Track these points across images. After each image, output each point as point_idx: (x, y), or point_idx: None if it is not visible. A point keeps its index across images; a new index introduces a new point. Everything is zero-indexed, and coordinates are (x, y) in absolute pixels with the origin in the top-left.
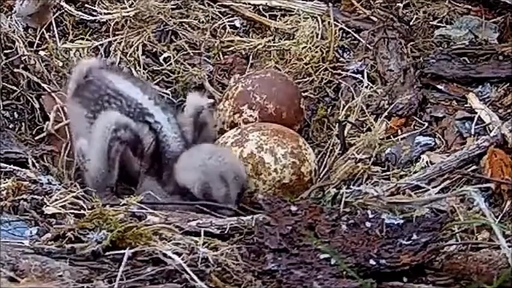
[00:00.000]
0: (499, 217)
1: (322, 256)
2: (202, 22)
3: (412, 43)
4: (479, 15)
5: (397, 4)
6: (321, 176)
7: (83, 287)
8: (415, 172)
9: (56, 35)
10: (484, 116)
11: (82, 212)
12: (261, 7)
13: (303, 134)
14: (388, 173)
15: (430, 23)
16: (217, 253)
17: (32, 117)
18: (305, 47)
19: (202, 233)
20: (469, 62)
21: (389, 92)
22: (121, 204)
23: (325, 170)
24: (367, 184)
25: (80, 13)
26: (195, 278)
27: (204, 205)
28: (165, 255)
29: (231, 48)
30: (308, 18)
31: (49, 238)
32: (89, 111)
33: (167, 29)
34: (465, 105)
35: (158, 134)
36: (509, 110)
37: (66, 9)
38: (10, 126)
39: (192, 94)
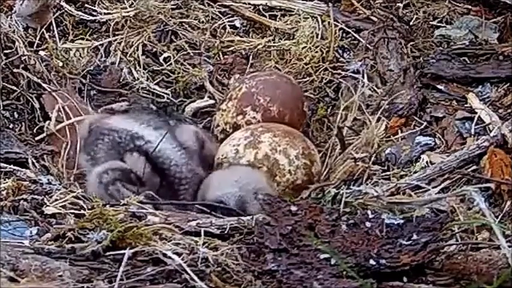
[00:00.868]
0: (499, 217)
1: (322, 256)
2: (202, 22)
3: (412, 43)
4: (479, 15)
5: (397, 4)
6: (321, 176)
7: (83, 287)
8: (415, 172)
9: (56, 35)
10: (484, 116)
11: (82, 212)
12: (261, 7)
13: (303, 134)
14: (388, 173)
15: (430, 23)
16: (217, 253)
17: (32, 117)
18: (305, 47)
19: (202, 233)
20: (469, 62)
21: (389, 92)
22: (121, 204)
23: (326, 170)
24: (367, 184)
25: (80, 13)
26: (195, 278)
27: (204, 205)
28: (165, 255)
29: (231, 48)
30: (308, 18)
31: (49, 238)
32: (88, 156)
33: (167, 29)
34: (465, 105)
35: (153, 153)
36: (509, 110)
37: (66, 9)
38: (10, 126)
39: (184, 127)
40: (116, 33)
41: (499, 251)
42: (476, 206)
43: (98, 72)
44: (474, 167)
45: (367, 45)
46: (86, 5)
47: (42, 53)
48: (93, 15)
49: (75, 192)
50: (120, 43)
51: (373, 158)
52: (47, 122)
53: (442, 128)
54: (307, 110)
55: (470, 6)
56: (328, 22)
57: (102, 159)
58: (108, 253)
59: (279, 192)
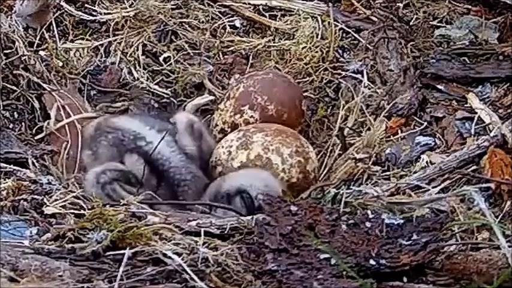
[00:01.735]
0: (499, 217)
1: (322, 256)
2: (202, 22)
3: (412, 43)
4: (479, 15)
5: (397, 4)
6: (321, 176)
7: (83, 287)
8: (415, 172)
9: (56, 35)
10: (484, 116)
11: (82, 212)
12: (261, 7)
13: (302, 134)
14: (388, 173)
15: (430, 23)
16: (217, 253)
17: (32, 117)
18: (305, 47)
19: (202, 233)
20: (469, 62)
21: (389, 92)
22: (121, 204)
23: (326, 170)
24: (367, 184)
25: (80, 13)
26: (195, 278)
27: (204, 205)
28: (165, 255)
29: (231, 48)
30: (308, 18)
31: (49, 238)
32: (90, 151)
33: (167, 29)
34: (465, 105)
35: (153, 154)
36: (509, 110)
37: (66, 9)
38: (10, 126)
39: (179, 113)
40: (116, 33)
41: (499, 251)
42: (476, 206)
43: (98, 72)
44: (474, 167)
45: (367, 45)
46: (86, 5)
47: (42, 53)
48: (93, 15)
49: (75, 192)
50: (120, 43)
51: (373, 158)
52: (47, 121)
53: (442, 128)
54: (305, 109)
55: (470, 6)
56: (328, 22)
57: (103, 155)
58: (108, 253)
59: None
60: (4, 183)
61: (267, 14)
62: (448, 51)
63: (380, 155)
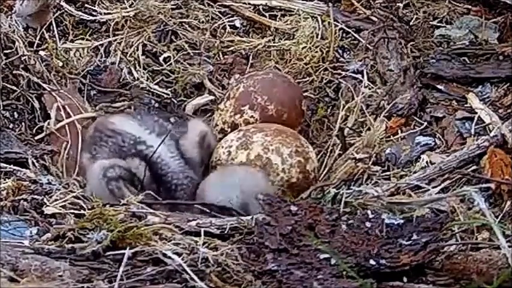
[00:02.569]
0: (499, 217)
1: (322, 256)
2: (202, 22)
3: (412, 43)
4: (479, 15)
5: (397, 4)
6: (321, 176)
7: (83, 287)
8: (415, 172)
9: (56, 35)
10: (484, 116)
11: (82, 212)
12: (261, 7)
13: (302, 134)
14: (388, 173)
15: (430, 23)
16: (217, 253)
17: (32, 117)
18: (305, 47)
19: (202, 233)
20: (469, 62)
21: (389, 92)
22: (121, 204)
23: (326, 170)
24: (367, 184)
25: (80, 13)
26: (195, 278)
27: (204, 205)
28: (165, 255)
29: (231, 48)
30: (308, 18)
31: (49, 238)
32: (90, 155)
33: (167, 29)
34: (465, 105)
35: (152, 158)
36: (509, 110)
37: (66, 9)
38: (10, 126)
39: (194, 120)
40: (116, 33)
41: (499, 251)
42: (476, 206)
43: (98, 72)
44: (474, 167)
45: (367, 45)
46: (86, 5)
47: (42, 53)
48: (93, 15)
49: (75, 192)
50: (120, 43)
51: (373, 158)
52: (47, 122)
53: (442, 128)
54: (305, 109)
55: (470, 6)
56: (328, 22)
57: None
58: (108, 253)
59: (275, 191)
60: (4, 183)
61: (267, 14)
62: (448, 51)
63: (380, 155)
